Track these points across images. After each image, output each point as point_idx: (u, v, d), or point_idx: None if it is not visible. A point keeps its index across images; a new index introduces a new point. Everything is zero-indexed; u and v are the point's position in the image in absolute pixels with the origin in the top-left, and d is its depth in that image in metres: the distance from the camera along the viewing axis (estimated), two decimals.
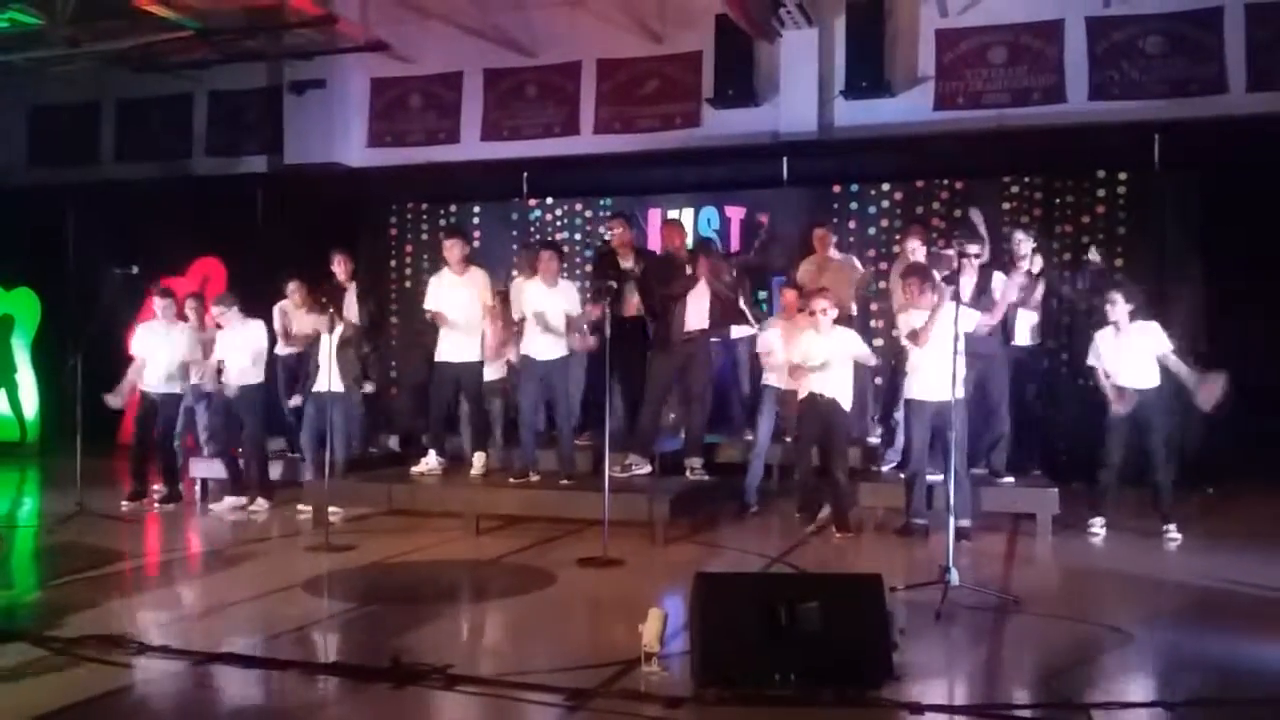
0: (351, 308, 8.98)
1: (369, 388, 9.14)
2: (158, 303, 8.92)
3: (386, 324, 10.50)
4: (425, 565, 6.85)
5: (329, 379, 8.00)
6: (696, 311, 8.12)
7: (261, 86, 12.83)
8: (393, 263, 12.16)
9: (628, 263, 8.80)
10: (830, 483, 7.54)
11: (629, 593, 5.94)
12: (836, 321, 7.50)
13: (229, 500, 8.66)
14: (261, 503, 8.62)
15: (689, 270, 8.10)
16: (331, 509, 7.85)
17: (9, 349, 13.26)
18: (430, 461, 8.37)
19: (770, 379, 8.13)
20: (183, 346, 8.79)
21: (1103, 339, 7.54)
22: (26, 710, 4.02)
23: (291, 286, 9.33)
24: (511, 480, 7.96)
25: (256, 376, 8.64)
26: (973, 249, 7.53)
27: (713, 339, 8.75)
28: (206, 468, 9.14)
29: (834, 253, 8.97)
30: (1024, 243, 8.18)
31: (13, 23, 10.49)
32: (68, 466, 8.57)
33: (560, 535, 7.43)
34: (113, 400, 8.81)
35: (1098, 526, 7.48)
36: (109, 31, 11.06)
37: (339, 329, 7.99)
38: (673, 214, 10.78)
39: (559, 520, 7.59)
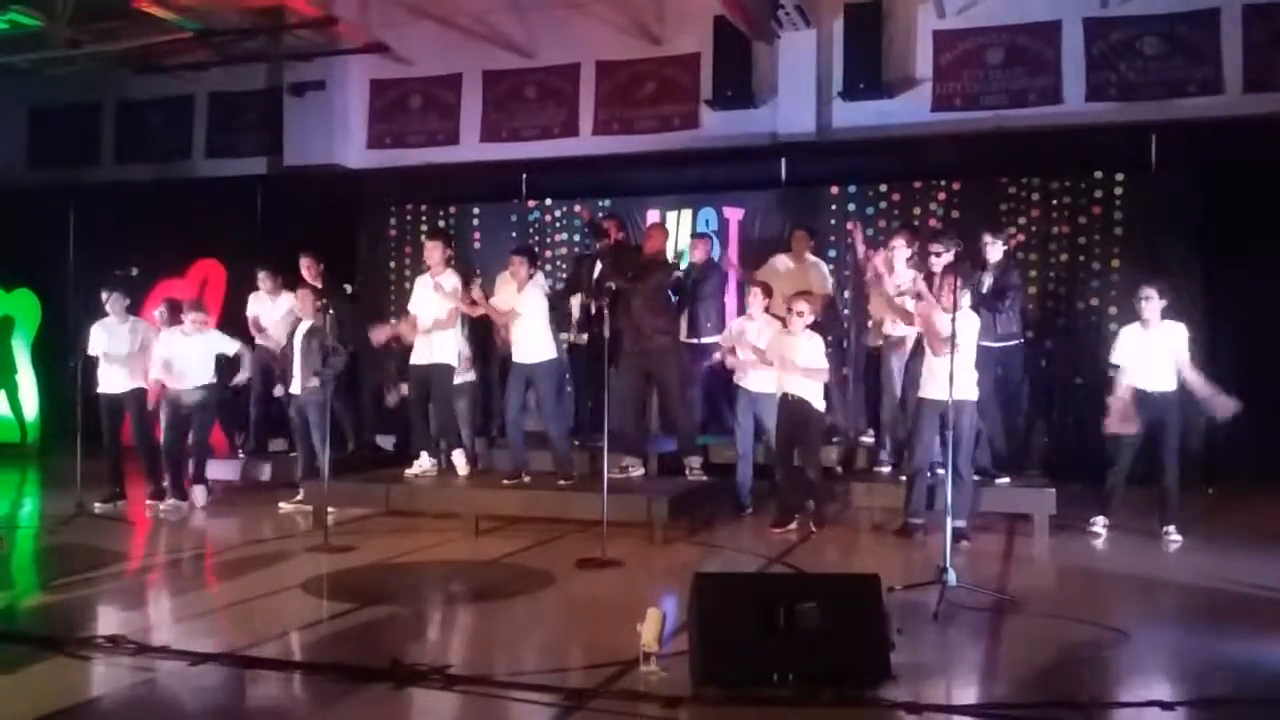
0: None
1: (312, 382, 8.32)
2: (109, 298, 8.74)
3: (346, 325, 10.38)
4: (424, 566, 6.87)
5: (299, 379, 8.21)
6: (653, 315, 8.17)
7: (261, 88, 12.86)
8: (392, 264, 12.19)
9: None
10: (803, 479, 7.58)
11: (627, 593, 5.97)
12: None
13: (172, 502, 8.66)
14: (186, 500, 8.66)
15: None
16: (283, 505, 8.32)
17: (9, 350, 13.28)
18: (424, 463, 8.38)
19: (740, 380, 8.09)
20: (126, 343, 8.70)
21: (1128, 335, 7.45)
22: (26, 711, 4.03)
23: (261, 276, 9.44)
24: (504, 481, 7.99)
25: (208, 378, 8.69)
26: (936, 248, 7.54)
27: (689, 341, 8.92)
28: (212, 468, 9.17)
29: (809, 256, 9.00)
30: (991, 245, 8.04)
31: (13, 24, 10.53)
32: (68, 467, 8.58)
33: (559, 536, 7.45)
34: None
35: (1099, 526, 7.47)
36: (109, 33, 11.10)
37: (306, 323, 8.21)
38: (670, 215, 10.83)
39: (557, 521, 7.61)
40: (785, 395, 7.51)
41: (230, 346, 8.86)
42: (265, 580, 6.32)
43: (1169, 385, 7.33)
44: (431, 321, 8.25)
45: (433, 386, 8.37)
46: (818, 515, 7.57)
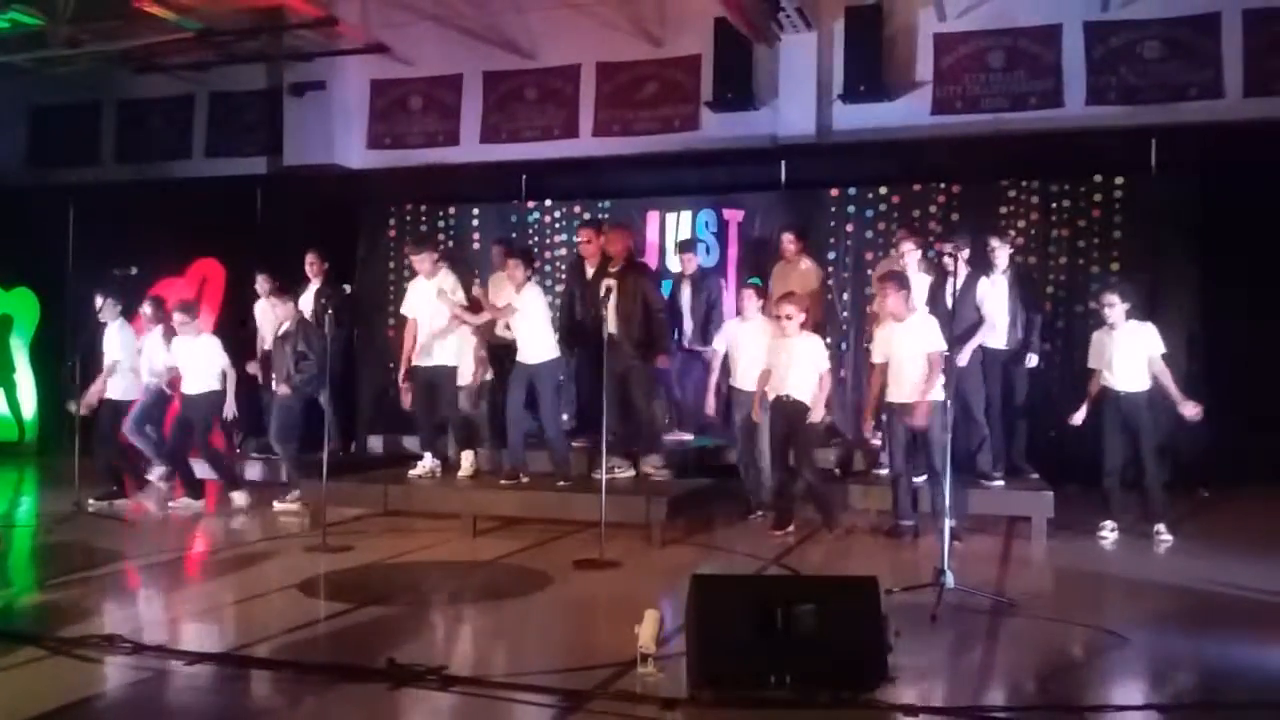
0: (308, 305, 9.08)
1: (282, 389, 8.54)
2: (98, 301, 8.82)
3: (345, 324, 10.27)
4: (422, 566, 6.86)
5: (273, 377, 8.36)
6: (624, 320, 8.14)
7: (261, 88, 12.84)
8: (391, 264, 12.16)
9: (592, 270, 8.78)
10: (802, 484, 7.58)
11: (625, 594, 5.96)
12: (804, 326, 7.57)
13: (184, 500, 8.72)
14: (190, 502, 8.73)
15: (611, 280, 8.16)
16: (276, 504, 8.44)
17: (8, 349, 13.28)
18: (427, 464, 8.38)
19: (733, 381, 8.10)
20: (114, 347, 8.77)
21: (1097, 339, 7.60)
22: (23, 710, 4.02)
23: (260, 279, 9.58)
24: (502, 481, 7.98)
25: (211, 385, 8.70)
26: (945, 247, 7.57)
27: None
28: (204, 469, 9.16)
29: (802, 259, 8.99)
30: (999, 249, 8.14)
31: (13, 23, 10.53)
32: (66, 466, 8.59)
33: (557, 537, 7.45)
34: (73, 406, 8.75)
35: (1108, 530, 7.50)
36: (109, 32, 11.10)
37: (285, 326, 8.30)
38: (670, 217, 10.85)
39: (556, 522, 7.61)
40: (779, 397, 7.51)
41: (222, 360, 8.83)
42: (262, 580, 6.32)
43: (1140, 386, 7.44)
44: (430, 325, 8.25)
45: (438, 390, 8.35)
46: (829, 519, 7.53)
